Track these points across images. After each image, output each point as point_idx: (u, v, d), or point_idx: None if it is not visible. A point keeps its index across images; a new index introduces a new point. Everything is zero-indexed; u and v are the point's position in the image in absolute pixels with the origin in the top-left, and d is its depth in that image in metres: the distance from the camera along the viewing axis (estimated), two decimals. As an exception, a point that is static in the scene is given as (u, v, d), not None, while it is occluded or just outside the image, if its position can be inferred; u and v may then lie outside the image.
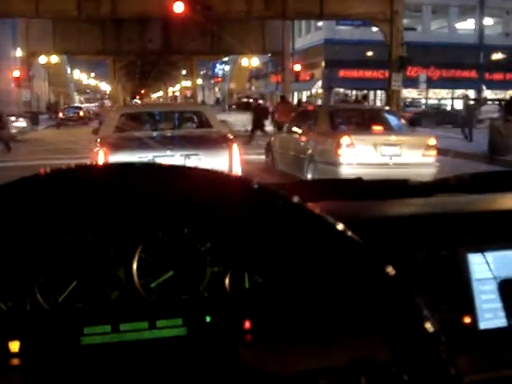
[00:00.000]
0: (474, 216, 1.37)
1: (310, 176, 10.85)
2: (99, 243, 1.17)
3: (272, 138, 13.93)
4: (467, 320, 1.23)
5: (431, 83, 33.88)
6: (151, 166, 0.93)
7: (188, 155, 8.51)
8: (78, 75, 67.61)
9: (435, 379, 0.78)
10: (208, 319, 1.20)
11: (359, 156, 10.25)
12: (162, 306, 1.19)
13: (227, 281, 1.21)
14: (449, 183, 1.77)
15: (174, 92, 76.39)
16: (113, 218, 1.15)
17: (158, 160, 8.29)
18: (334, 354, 1.06)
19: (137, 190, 0.95)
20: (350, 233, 0.93)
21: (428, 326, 0.84)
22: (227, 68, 56.85)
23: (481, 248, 1.28)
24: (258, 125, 20.84)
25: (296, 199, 0.93)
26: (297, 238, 0.98)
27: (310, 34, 43.89)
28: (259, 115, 21.43)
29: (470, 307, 1.25)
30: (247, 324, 1.19)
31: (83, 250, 1.16)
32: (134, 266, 1.18)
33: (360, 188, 1.72)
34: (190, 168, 0.93)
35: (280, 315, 1.17)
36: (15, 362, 1.10)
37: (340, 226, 0.93)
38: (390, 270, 0.90)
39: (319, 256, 0.97)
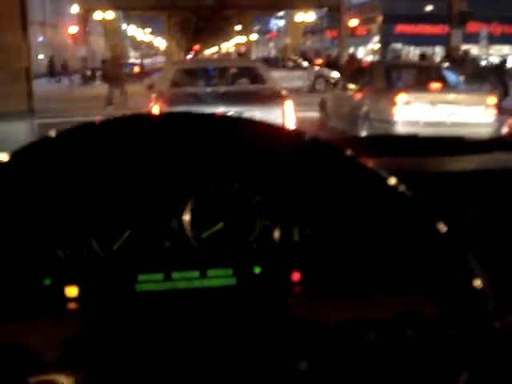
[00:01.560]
0: None
1: (364, 134, 10.70)
2: (153, 194, 1.19)
3: (326, 95, 13.75)
4: None
5: (493, 39, 32.59)
6: (203, 116, 0.93)
7: (241, 111, 8.52)
8: (133, 31, 67.91)
9: (480, 333, 0.78)
10: (257, 270, 1.21)
11: (416, 114, 10.03)
12: (212, 256, 1.21)
13: (277, 233, 1.22)
14: (505, 141, 1.72)
15: (228, 48, 76.03)
16: (166, 169, 1.17)
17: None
18: (381, 307, 1.06)
19: (189, 140, 0.97)
20: (402, 187, 0.92)
21: (477, 283, 0.84)
22: (282, 23, 56.03)
23: None
24: None
25: (349, 152, 0.93)
26: (349, 191, 0.97)
27: (367, -12, 42.69)
28: None
29: None
30: (296, 276, 1.20)
31: (137, 200, 1.19)
32: (187, 217, 1.21)
33: (414, 144, 1.70)
34: (242, 119, 0.94)
35: (329, 268, 1.18)
36: (73, 306, 1.15)
37: (392, 181, 0.92)
38: (441, 226, 0.89)
39: (370, 209, 0.97)
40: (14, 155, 0.90)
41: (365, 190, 0.94)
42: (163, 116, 0.96)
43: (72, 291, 1.17)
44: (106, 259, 1.18)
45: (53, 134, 0.91)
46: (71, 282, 1.17)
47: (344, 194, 0.97)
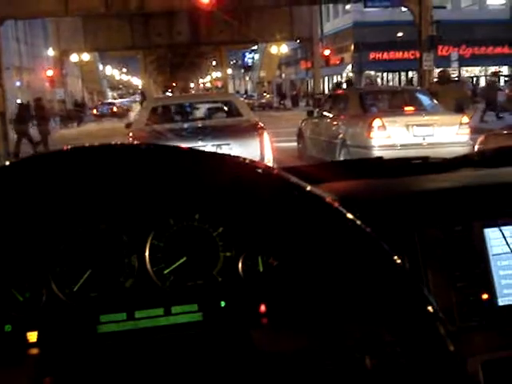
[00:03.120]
0: (489, 189, 1.34)
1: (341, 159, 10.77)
2: (112, 231, 1.18)
3: (303, 124, 13.84)
4: (485, 296, 1.21)
5: (463, 61, 33.22)
6: (160, 150, 0.92)
7: (219, 145, 8.54)
8: (110, 71, 68.31)
9: (434, 356, 0.77)
10: (223, 304, 1.20)
11: (392, 138, 10.12)
12: (176, 293, 1.19)
13: (240, 265, 1.21)
14: (471, 159, 1.73)
15: (204, 84, 76.61)
16: (124, 205, 1.15)
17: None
18: (341, 335, 1.05)
19: (145, 174, 0.95)
20: (359, 222, 0.93)
21: (429, 308, 0.83)
22: (257, 57, 56.68)
23: (497, 223, 1.25)
24: None
25: (309, 188, 0.93)
26: (309, 224, 0.97)
27: (338, 18, 43.43)
28: None
29: (487, 283, 1.22)
30: (262, 308, 1.19)
31: (96, 239, 1.17)
32: (147, 253, 1.19)
33: (380, 166, 1.70)
34: (200, 152, 0.93)
35: (293, 298, 1.17)
36: (33, 351, 1.12)
37: (349, 215, 0.93)
38: (396, 258, 0.90)
39: (329, 242, 0.97)
40: None
41: (325, 224, 0.94)
42: (124, 148, 0.94)
43: (33, 336, 1.14)
44: (66, 301, 1.16)
45: (7, 164, 0.88)
46: (32, 327, 1.14)
47: (305, 227, 0.96)
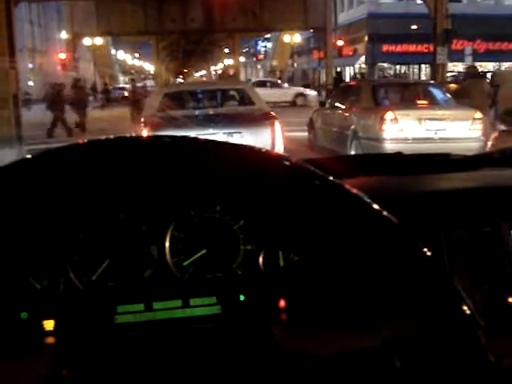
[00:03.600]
0: None
1: (353, 152, 10.71)
2: (131, 221, 1.16)
3: (314, 115, 13.78)
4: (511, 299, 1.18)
5: (477, 56, 32.95)
6: (183, 141, 0.90)
7: (231, 133, 8.52)
8: (123, 56, 68.18)
9: (474, 366, 0.74)
10: (242, 298, 1.18)
11: (403, 131, 10.06)
12: (195, 285, 1.17)
13: (261, 259, 1.19)
14: (492, 157, 1.71)
15: (216, 71, 76.44)
16: (144, 195, 1.14)
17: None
18: (367, 335, 1.03)
19: (168, 165, 0.93)
20: (385, 213, 0.90)
21: (465, 308, 0.81)
22: (269, 45, 56.39)
23: None
24: None
25: (332, 177, 0.91)
26: (332, 217, 0.95)
27: (352, 9, 43.13)
28: None
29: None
30: (282, 303, 1.17)
31: (116, 228, 1.16)
32: (167, 244, 1.17)
33: (400, 162, 1.68)
34: (222, 143, 0.91)
35: (314, 294, 1.15)
36: (50, 340, 1.11)
37: (376, 206, 0.90)
38: (426, 250, 0.87)
39: (354, 235, 0.94)
40: None
41: (349, 216, 0.91)
42: (144, 140, 0.93)
43: (49, 325, 1.13)
44: (84, 291, 1.14)
45: (29, 157, 0.88)
46: (48, 316, 1.13)
47: (328, 220, 0.94)
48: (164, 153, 0.93)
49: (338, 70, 36.52)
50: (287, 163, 0.93)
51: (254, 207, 1.14)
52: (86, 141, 0.90)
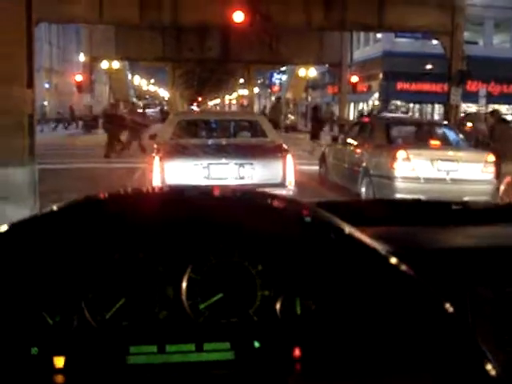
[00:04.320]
0: None
1: (364, 189, 10.71)
2: (149, 261, 1.15)
3: (326, 149, 13.83)
4: None
5: (491, 98, 33.06)
6: (205, 192, 0.91)
7: (242, 164, 8.53)
8: (138, 81, 68.97)
9: None
10: (257, 344, 1.15)
11: (415, 170, 10.05)
12: (209, 329, 1.15)
13: (278, 305, 1.17)
14: None
15: (230, 100, 77.10)
16: (164, 237, 1.12)
17: (213, 167, 8.38)
18: None
19: (188, 214, 0.94)
20: (403, 267, 0.89)
21: (489, 367, 0.78)
22: (284, 78, 56.87)
23: None
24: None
25: (349, 230, 0.90)
26: (350, 269, 0.94)
27: (368, 46, 43.54)
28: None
29: None
30: (297, 352, 1.14)
31: (133, 268, 1.14)
32: (184, 286, 1.16)
33: (419, 211, 1.65)
34: (242, 192, 0.91)
35: (331, 345, 1.12)
36: (59, 378, 1.09)
37: (393, 260, 0.89)
38: (448, 306, 0.85)
39: (372, 288, 0.93)
40: (12, 227, 0.88)
41: (366, 269, 0.90)
42: (157, 192, 0.95)
43: (60, 362, 1.11)
44: (97, 329, 1.13)
45: (53, 208, 0.90)
46: (59, 352, 1.11)
47: (345, 271, 0.93)
48: (185, 202, 0.94)
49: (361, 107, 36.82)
50: (305, 216, 0.93)
51: (273, 253, 1.12)
52: (107, 195, 0.93)
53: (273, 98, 63.65)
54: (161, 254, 1.15)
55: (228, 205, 0.93)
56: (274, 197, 0.95)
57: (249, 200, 0.93)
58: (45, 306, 1.12)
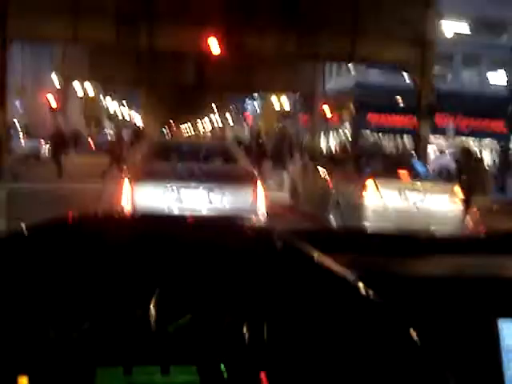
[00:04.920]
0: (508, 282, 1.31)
1: (333, 217, 10.81)
2: (117, 283, 1.15)
3: (296, 176, 13.94)
4: None
5: (459, 131, 33.77)
6: (176, 216, 0.93)
7: (212, 188, 8.55)
8: (111, 102, 68.76)
9: None
10: (223, 368, 1.16)
11: (383, 200, 10.20)
12: (176, 351, 1.16)
13: (245, 329, 1.18)
14: (480, 241, 1.73)
15: (203, 124, 77.24)
16: (132, 260, 1.13)
17: (183, 191, 8.37)
18: None
19: (157, 237, 0.95)
20: (371, 293, 0.91)
21: None
22: (257, 104, 57.33)
23: None
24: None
25: (318, 257, 0.92)
26: (318, 296, 0.96)
27: (340, 77, 44.19)
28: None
29: (499, 378, 1.18)
30: (263, 376, 1.15)
31: (101, 289, 1.15)
32: (152, 308, 1.16)
33: (386, 241, 1.69)
34: (215, 219, 0.93)
35: (297, 371, 1.14)
36: None
37: (361, 287, 0.91)
38: (413, 333, 0.87)
39: (339, 314, 0.95)
40: None
41: (334, 296, 0.93)
42: (136, 216, 0.97)
43: (23, 381, 1.10)
44: (62, 349, 1.12)
45: (21, 229, 0.91)
46: (23, 372, 1.10)
47: (313, 297, 0.95)
48: (155, 225, 0.97)
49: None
50: (277, 242, 0.95)
51: (242, 278, 1.14)
52: (75, 216, 0.95)
53: (245, 125, 64.03)
54: (129, 276, 1.15)
55: (199, 229, 0.96)
56: (246, 223, 0.97)
57: (219, 226, 0.95)
58: (10, 326, 1.11)
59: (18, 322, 1.12)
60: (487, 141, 40.00)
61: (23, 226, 0.98)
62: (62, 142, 19.73)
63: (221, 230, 0.95)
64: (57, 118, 32.49)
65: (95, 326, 1.14)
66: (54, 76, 37.65)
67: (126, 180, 8.45)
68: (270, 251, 0.93)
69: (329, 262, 0.94)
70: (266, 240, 0.93)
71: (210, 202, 8.45)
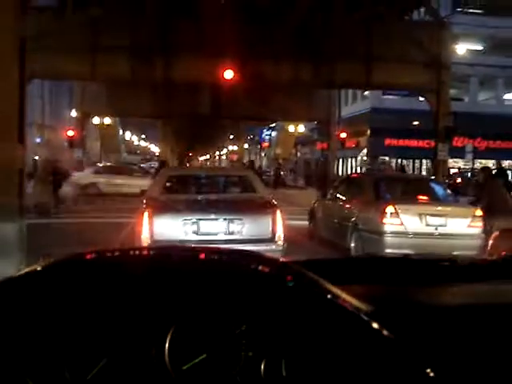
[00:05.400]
0: None
1: (353, 244, 10.72)
2: (132, 321, 1.14)
3: (315, 205, 13.89)
4: None
5: (477, 153, 33.59)
6: (190, 254, 0.92)
7: (231, 219, 8.54)
8: (129, 136, 69.59)
9: None
10: None
11: (404, 225, 10.10)
12: None
13: (263, 366, 1.16)
14: (501, 265, 1.69)
15: (220, 156, 77.74)
16: (147, 298, 1.12)
17: (202, 223, 8.38)
18: None
19: (172, 276, 0.95)
20: (385, 331, 0.90)
21: None
22: (274, 133, 57.64)
23: None
24: None
25: (331, 295, 0.91)
26: (331, 333, 0.94)
27: (356, 103, 44.34)
28: None
29: None
30: None
31: (116, 328, 1.14)
32: (167, 346, 1.15)
33: (407, 268, 1.66)
34: (229, 254, 0.92)
35: None
36: None
37: (374, 324, 0.90)
38: (429, 371, 0.86)
39: (352, 352, 0.93)
40: None
41: (347, 333, 0.91)
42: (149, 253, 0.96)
43: None
44: None
45: (37, 268, 0.91)
46: None
47: (326, 334, 0.94)
48: (169, 263, 0.96)
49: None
50: (289, 282, 0.95)
51: (256, 315, 1.12)
52: (91, 254, 0.95)
53: (262, 154, 64.25)
54: (144, 314, 1.14)
55: (212, 267, 0.95)
56: (259, 259, 0.96)
57: (233, 262, 0.94)
58: (26, 367, 1.10)
59: (33, 362, 1.11)
60: (507, 163, 39.70)
61: (41, 262, 0.98)
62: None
63: (234, 266, 0.94)
64: (69, 153, 32.93)
65: (110, 366, 1.13)
66: (73, 113, 38.24)
67: (146, 213, 8.48)
68: (282, 288, 0.92)
69: (342, 296, 0.93)
70: (278, 276, 0.92)
71: (230, 233, 8.44)
